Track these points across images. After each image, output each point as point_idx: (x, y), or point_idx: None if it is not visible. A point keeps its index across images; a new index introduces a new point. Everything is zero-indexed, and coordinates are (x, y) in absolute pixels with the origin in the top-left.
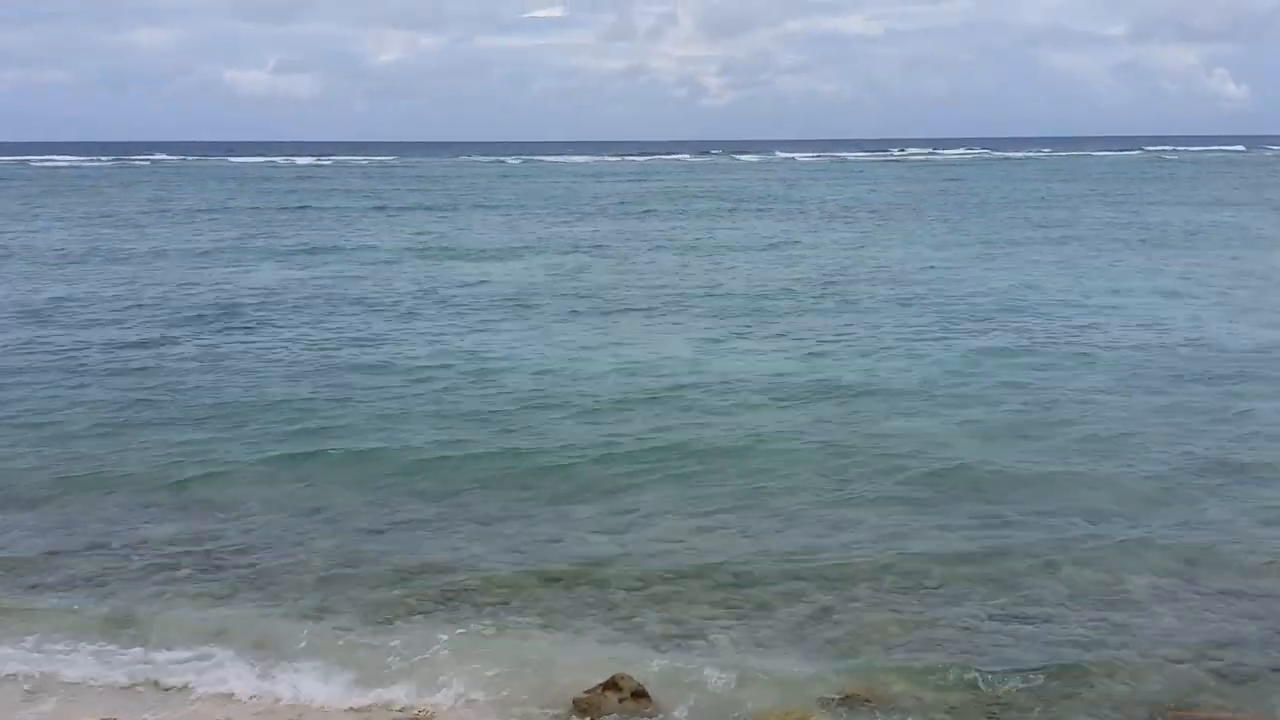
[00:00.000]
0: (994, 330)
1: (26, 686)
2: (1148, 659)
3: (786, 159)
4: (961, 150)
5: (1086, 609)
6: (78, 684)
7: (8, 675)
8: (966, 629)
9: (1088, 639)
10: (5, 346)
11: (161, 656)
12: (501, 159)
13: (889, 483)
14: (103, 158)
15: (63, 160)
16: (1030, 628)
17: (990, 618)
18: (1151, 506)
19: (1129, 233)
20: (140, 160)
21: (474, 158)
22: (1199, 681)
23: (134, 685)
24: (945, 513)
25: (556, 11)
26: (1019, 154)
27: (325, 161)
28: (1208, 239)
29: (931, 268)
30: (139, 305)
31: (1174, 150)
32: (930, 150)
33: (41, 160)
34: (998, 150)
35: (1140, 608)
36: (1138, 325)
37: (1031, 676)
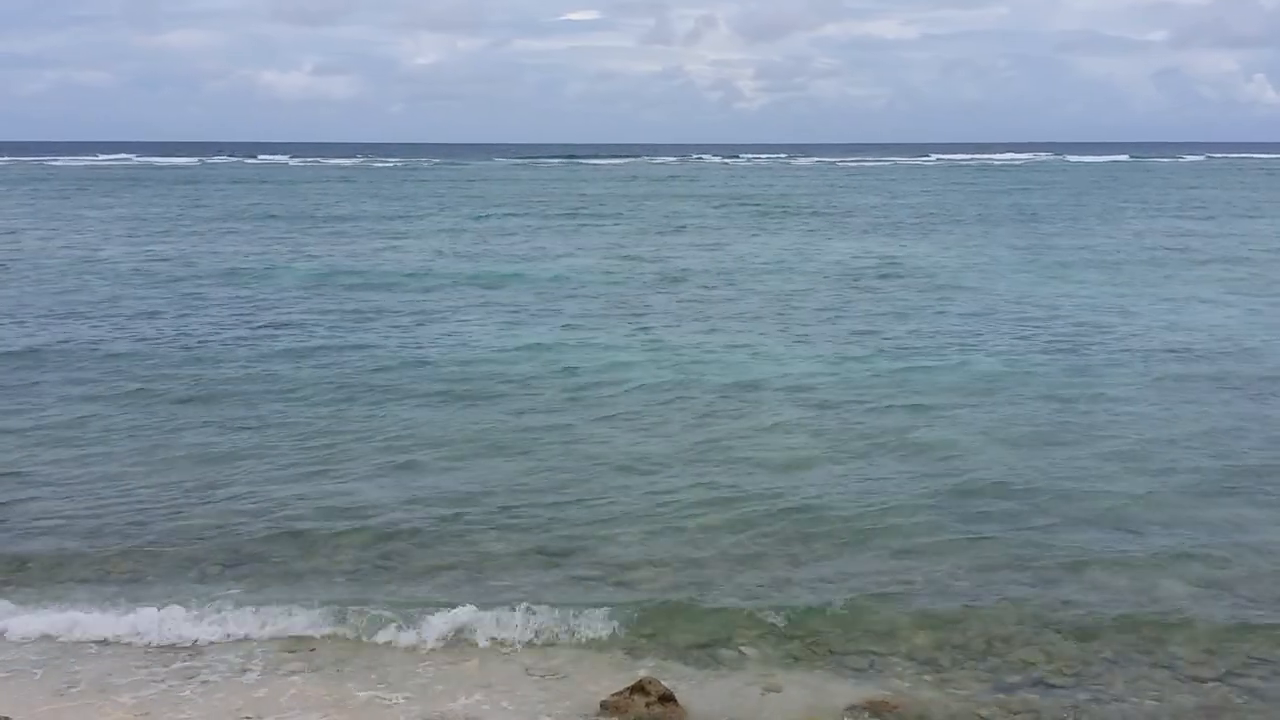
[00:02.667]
0: (1032, 337)
1: (57, 676)
2: (1177, 673)
3: (829, 163)
4: (1029, 155)
5: (1116, 620)
6: (108, 673)
7: (38, 665)
8: (995, 637)
9: (1118, 650)
10: (45, 342)
11: (190, 648)
12: (535, 161)
13: (920, 489)
14: (150, 157)
15: (106, 159)
16: (1060, 638)
17: (1019, 626)
18: (1186, 516)
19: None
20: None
21: (514, 160)
22: (1228, 700)
23: (163, 676)
24: (976, 520)
25: (593, 14)
26: (1083, 158)
27: (383, 164)
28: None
29: (983, 275)
30: (193, 305)
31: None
32: (970, 156)
33: (82, 160)
34: (1060, 154)
35: (1171, 621)
36: (1179, 333)
37: (1060, 688)
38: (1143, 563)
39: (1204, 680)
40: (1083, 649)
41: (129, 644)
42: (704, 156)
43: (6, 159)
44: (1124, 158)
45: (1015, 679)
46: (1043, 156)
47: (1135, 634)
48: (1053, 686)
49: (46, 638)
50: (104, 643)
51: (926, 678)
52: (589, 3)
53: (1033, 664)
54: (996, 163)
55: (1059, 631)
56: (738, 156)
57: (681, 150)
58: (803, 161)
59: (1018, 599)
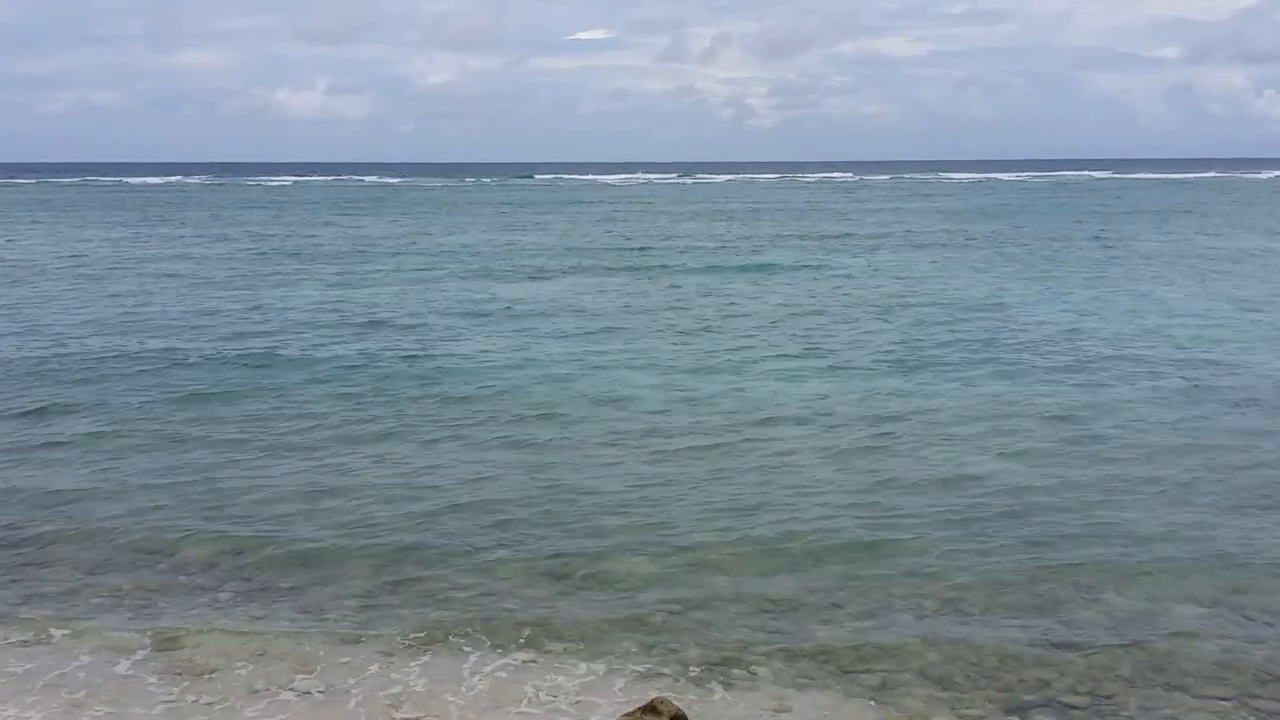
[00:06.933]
0: (1040, 354)
1: (70, 701)
2: (1191, 694)
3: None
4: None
5: (1129, 639)
6: (120, 700)
7: (53, 689)
8: (1007, 657)
9: (1130, 670)
10: (59, 362)
11: (202, 675)
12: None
13: (930, 508)
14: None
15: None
16: (1072, 657)
17: (1031, 645)
18: (1198, 535)
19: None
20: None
21: (539, 177)
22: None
23: (175, 702)
24: (987, 539)
25: (608, 34)
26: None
27: (431, 184)
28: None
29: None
30: (205, 324)
31: None
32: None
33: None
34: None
35: (1184, 640)
36: (1188, 350)
37: (1072, 709)
38: (1156, 581)
39: (1218, 699)
40: (1096, 668)
41: (145, 668)
42: (755, 177)
43: (32, 179)
44: (1211, 174)
45: (1029, 698)
46: (1092, 173)
47: (1149, 653)
48: (1067, 706)
49: (68, 662)
50: (119, 668)
51: (939, 697)
52: (603, 22)
53: (1046, 683)
54: (1041, 180)
55: (1072, 651)
56: (757, 175)
57: (691, 168)
58: (838, 178)
59: (1030, 618)
